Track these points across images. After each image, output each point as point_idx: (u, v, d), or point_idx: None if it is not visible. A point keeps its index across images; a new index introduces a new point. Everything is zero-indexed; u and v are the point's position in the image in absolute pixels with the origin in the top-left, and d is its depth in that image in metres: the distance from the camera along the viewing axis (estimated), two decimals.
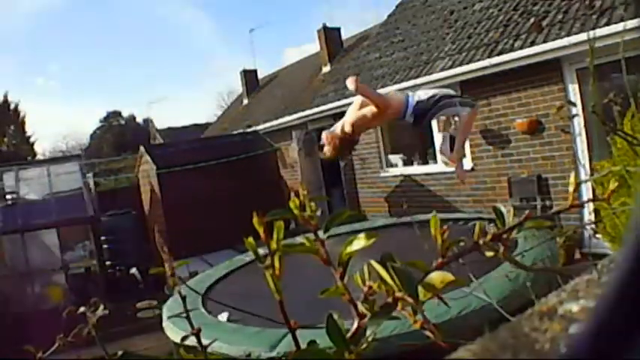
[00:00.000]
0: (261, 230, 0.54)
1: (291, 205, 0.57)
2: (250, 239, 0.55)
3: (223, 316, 3.40)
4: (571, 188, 0.71)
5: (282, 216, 0.57)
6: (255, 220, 0.53)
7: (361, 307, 0.53)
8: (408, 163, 8.70)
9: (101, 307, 0.88)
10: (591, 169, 5.36)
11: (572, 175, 0.73)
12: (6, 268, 8.71)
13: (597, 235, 5.52)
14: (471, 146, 7.26)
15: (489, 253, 0.60)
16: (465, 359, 0.42)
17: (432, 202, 7.71)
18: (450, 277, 0.51)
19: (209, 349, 0.73)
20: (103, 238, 10.18)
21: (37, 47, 55.71)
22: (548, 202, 6.29)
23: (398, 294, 0.50)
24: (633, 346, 0.27)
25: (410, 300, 0.50)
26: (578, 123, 5.87)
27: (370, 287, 0.53)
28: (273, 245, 0.54)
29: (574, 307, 0.47)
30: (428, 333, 0.53)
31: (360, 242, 0.54)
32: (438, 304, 0.57)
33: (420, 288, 0.51)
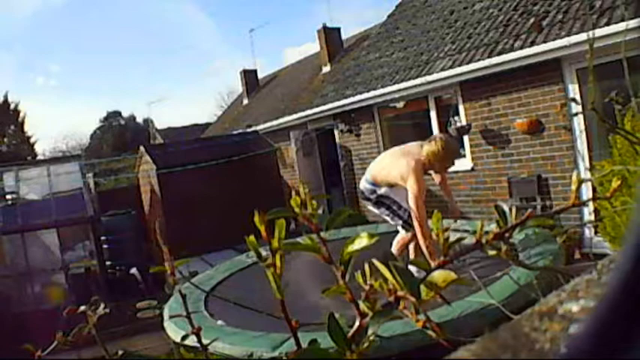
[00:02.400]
0: (262, 229, 0.54)
1: (293, 203, 0.57)
2: (252, 238, 0.55)
3: (220, 323, 3.40)
4: (573, 187, 0.71)
5: (282, 215, 0.57)
6: (256, 218, 0.53)
7: (363, 306, 0.53)
8: None
9: (101, 306, 0.88)
10: (591, 168, 5.36)
11: (575, 173, 0.73)
12: (6, 268, 8.71)
13: (598, 235, 5.52)
14: (470, 146, 7.26)
15: (492, 252, 0.60)
16: (465, 359, 0.42)
17: (431, 202, 7.71)
18: (452, 275, 0.51)
19: (211, 350, 0.73)
20: (103, 238, 10.19)
21: (38, 47, 55.69)
22: (548, 202, 6.29)
23: (400, 293, 0.50)
24: (633, 345, 0.28)
25: (412, 299, 0.50)
26: (579, 123, 5.87)
27: (372, 286, 0.53)
28: (275, 244, 0.54)
29: (574, 307, 0.47)
30: (431, 332, 0.53)
31: (361, 241, 0.54)
32: (441, 304, 0.57)
33: (422, 287, 0.51)
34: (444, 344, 0.52)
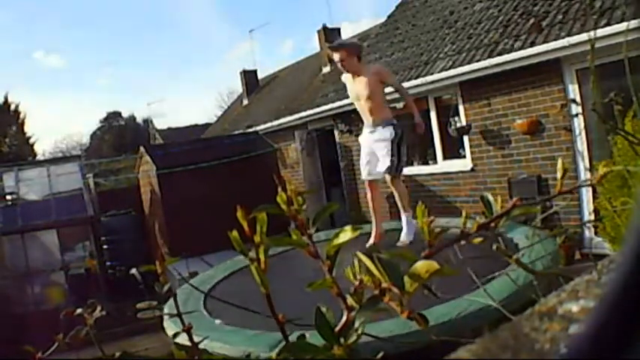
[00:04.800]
0: (245, 224, 0.54)
1: (279, 200, 0.57)
2: (235, 234, 0.55)
3: (217, 322, 3.40)
4: (559, 175, 0.70)
5: (270, 211, 0.57)
6: (239, 214, 0.53)
7: (350, 300, 0.53)
8: (408, 163, 8.68)
9: (98, 308, 0.88)
10: (591, 169, 5.36)
11: (560, 161, 0.72)
12: (6, 268, 8.71)
13: (598, 236, 5.52)
14: (471, 147, 7.26)
15: (477, 240, 0.60)
16: (464, 359, 0.42)
17: (432, 202, 7.71)
18: (435, 265, 0.50)
19: (209, 350, 0.73)
20: (103, 238, 10.18)
21: (38, 45, 55.73)
22: (548, 203, 6.28)
23: (384, 285, 0.50)
24: (633, 346, 0.27)
25: (396, 290, 0.50)
26: (578, 123, 5.87)
27: (361, 281, 0.53)
28: (257, 239, 0.54)
29: (574, 307, 0.47)
30: (415, 323, 0.53)
31: (346, 235, 0.54)
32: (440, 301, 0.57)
33: (406, 279, 0.51)
34: (441, 345, 0.52)
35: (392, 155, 4.29)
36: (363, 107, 4.48)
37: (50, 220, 9.03)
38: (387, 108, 4.58)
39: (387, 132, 4.34)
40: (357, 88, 4.48)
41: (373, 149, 4.45)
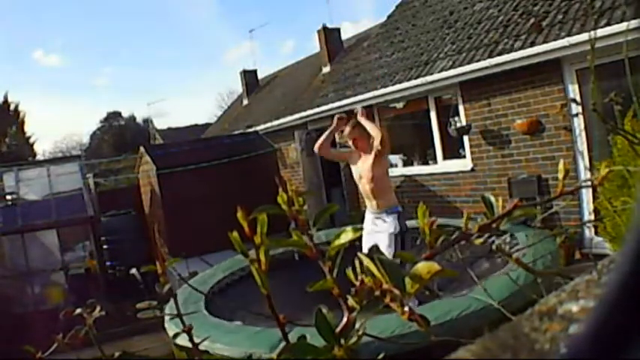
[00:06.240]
0: (245, 225, 0.54)
1: (279, 200, 0.57)
2: (235, 234, 0.55)
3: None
4: (560, 176, 0.70)
5: (271, 212, 0.57)
6: (239, 214, 0.53)
7: (351, 301, 0.53)
8: (408, 163, 8.70)
9: (98, 308, 0.88)
10: (591, 168, 5.36)
11: (562, 162, 0.72)
12: (6, 268, 8.71)
13: (598, 235, 5.52)
14: (471, 147, 7.26)
15: (478, 241, 0.60)
16: (465, 359, 0.42)
17: (432, 202, 7.71)
18: (436, 266, 0.50)
19: (210, 351, 0.73)
20: (103, 238, 10.18)
21: (38, 45, 55.67)
22: (548, 203, 6.28)
23: (385, 286, 0.50)
24: (633, 346, 0.27)
25: (396, 291, 0.50)
26: (578, 124, 5.87)
27: (362, 281, 0.53)
28: (257, 239, 0.54)
29: (574, 307, 0.47)
30: (416, 325, 0.53)
31: (347, 235, 0.54)
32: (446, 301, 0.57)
33: (407, 280, 0.51)
34: (441, 345, 0.52)
35: (395, 249, 3.95)
36: (366, 189, 4.29)
37: (50, 220, 9.02)
38: (392, 191, 4.38)
39: (391, 224, 4.07)
40: (361, 168, 4.34)
41: (375, 237, 3.94)
